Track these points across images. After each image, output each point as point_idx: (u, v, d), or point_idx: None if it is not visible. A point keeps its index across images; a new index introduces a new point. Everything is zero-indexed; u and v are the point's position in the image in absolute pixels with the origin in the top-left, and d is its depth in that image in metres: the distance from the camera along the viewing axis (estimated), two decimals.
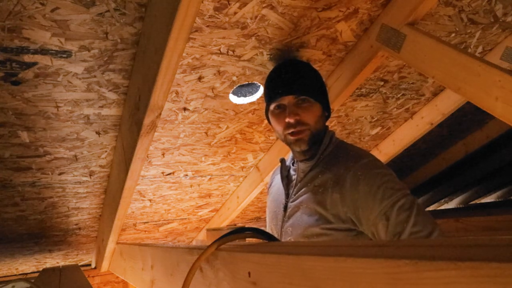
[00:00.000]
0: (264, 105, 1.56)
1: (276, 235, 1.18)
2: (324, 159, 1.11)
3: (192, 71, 1.25)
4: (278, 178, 1.27)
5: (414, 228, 0.89)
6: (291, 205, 1.13)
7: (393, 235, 0.91)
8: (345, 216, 0.99)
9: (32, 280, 1.80)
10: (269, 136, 1.80)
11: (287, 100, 1.10)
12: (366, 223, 0.96)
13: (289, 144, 1.14)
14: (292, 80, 1.10)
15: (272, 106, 1.14)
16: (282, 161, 1.26)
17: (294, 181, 1.17)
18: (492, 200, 4.71)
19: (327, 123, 1.20)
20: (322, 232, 1.01)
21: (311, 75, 1.16)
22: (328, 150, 1.12)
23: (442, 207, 4.28)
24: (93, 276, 2.66)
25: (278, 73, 1.16)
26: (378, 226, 0.94)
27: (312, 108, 1.09)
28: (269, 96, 1.15)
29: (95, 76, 1.13)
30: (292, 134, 1.09)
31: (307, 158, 1.14)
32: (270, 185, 1.35)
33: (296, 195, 1.12)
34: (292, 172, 1.21)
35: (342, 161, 1.05)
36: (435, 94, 1.92)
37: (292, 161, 1.23)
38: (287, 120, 1.08)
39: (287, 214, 1.13)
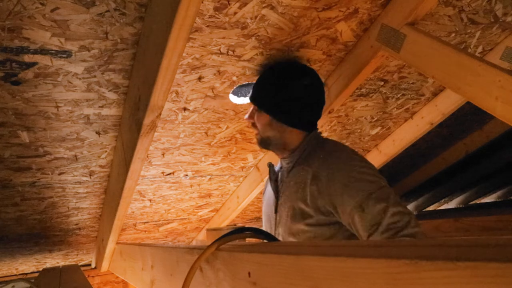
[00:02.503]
0: None
1: None
2: (304, 157, 1.15)
3: (192, 71, 1.25)
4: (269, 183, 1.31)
5: (392, 219, 0.91)
6: (279, 205, 1.17)
7: (371, 226, 0.92)
8: (324, 209, 1.02)
9: (32, 280, 1.80)
10: None
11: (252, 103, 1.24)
12: (343, 215, 0.99)
13: None
14: (253, 88, 1.23)
15: None
16: (270, 166, 1.29)
17: (280, 182, 1.21)
18: (492, 200, 4.71)
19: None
20: (306, 228, 1.03)
21: (269, 87, 1.20)
22: (308, 149, 1.15)
23: (442, 207, 4.28)
24: (93, 276, 2.66)
25: None
26: (354, 218, 0.96)
27: (260, 116, 1.20)
28: None
29: (95, 76, 1.13)
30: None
31: (286, 155, 1.19)
32: (264, 191, 1.39)
33: (282, 194, 1.16)
34: (280, 174, 1.25)
35: (320, 156, 1.09)
36: (435, 94, 1.92)
37: (281, 164, 1.26)
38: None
39: (277, 215, 1.17)
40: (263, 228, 1.29)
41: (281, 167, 1.24)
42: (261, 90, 1.21)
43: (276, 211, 1.17)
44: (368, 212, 0.93)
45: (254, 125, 1.23)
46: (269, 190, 1.28)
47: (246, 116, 1.24)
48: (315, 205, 1.02)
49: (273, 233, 1.18)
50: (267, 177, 1.41)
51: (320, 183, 1.02)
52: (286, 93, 1.16)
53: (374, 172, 1.01)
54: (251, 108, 1.23)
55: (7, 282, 2.34)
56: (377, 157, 2.31)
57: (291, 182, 1.13)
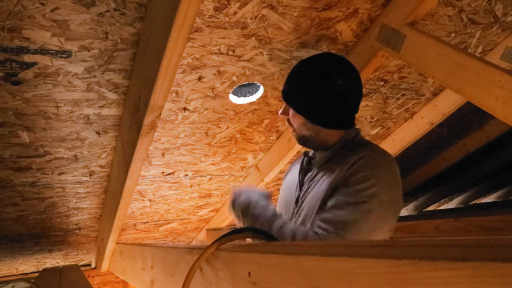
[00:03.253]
0: (263, 105, 1.56)
1: None
2: (341, 154, 1.11)
3: (192, 71, 1.25)
4: (296, 167, 1.27)
5: (326, 214, 0.95)
6: (301, 196, 1.14)
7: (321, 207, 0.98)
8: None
9: (32, 280, 1.80)
10: (269, 136, 1.80)
11: None
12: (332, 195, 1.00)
13: None
14: (286, 85, 1.16)
15: None
16: (306, 153, 1.25)
17: (310, 173, 1.17)
18: (492, 200, 4.71)
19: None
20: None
21: (302, 88, 1.13)
22: (348, 146, 1.11)
23: (442, 207, 4.28)
24: (93, 276, 2.66)
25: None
26: (330, 203, 0.98)
27: (295, 116, 1.14)
28: None
29: (95, 76, 1.13)
30: None
31: (325, 148, 1.14)
32: (287, 174, 1.34)
33: (308, 187, 1.13)
34: (310, 165, 1.22)
35: (356, 153, 1.05)
36: (435, 94, 1.92)
37: (314, 155, 1.22)
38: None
39: (297, 205, 1.14)
40: (277, 211, 1.27)
41: (313, 158, 1.21)
42: (294, 90, 1.14)
43: (296, 202, 1.15)
44: (329, 203, 0.97)
45: (289, 121, 1.18)
46: (293, 176, 1.25)
47: (280, 111, 1.18)
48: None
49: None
50: (294, 160, 1.38)
51: (344, 170, 1.01)
52: (320, 95, 1.09)
53: (392, 191, 0.97)
54: (284, 104, 1.18)
55: (7, 282, 2.34)
56: None
57: (318, 177, 1.11)
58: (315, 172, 1.14)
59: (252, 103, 1.52)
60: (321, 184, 1.08)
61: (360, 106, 1.91)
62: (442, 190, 3.73)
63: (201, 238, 2.68)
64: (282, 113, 1.18)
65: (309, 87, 1.11)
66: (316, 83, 1.10)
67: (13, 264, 2.35)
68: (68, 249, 2.33)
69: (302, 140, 1.17)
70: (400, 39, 1.21)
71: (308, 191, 1.12)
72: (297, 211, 1.13)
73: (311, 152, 1.25)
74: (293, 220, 1.13)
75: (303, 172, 1.20)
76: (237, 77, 1.34)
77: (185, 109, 1.43)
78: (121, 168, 1.45)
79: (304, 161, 1.23)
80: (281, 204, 1.25)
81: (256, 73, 1.35)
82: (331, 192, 1.01)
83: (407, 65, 1.56)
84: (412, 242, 0.37)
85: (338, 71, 1.11)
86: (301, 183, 1.18)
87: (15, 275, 2.55)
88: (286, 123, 1.20)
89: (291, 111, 1.15)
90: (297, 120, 1.14)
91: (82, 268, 2.28)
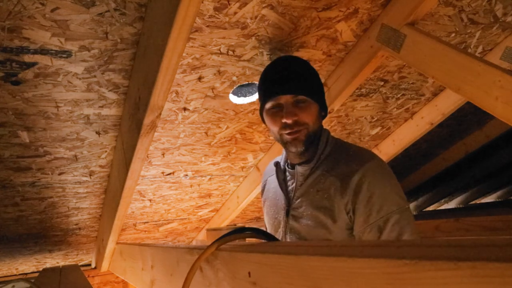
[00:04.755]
0: None
1: None
2: (324, 161, 1.06)
3: (192, 71, 1.25)
4: (272, 181, 1.21)
5: None
6: (293, 211, 1.07)
7: None
8: (349, 214, 0.97)
9: (32, 280, 1.80)
10: (269, 136, 1.80)
11: (284, 99, 1.03)
12: (355, 227, 0.96)
13: (284, 143, 1.08)
14: (290, 78, 1.04)
15: (268, 105, 1.08)
16: (277, 164, 1.18)
17: (294, 185, 1.10)
18: (492, 200, 4.71)
19: (323, 122, 1.16)
20: (329, 236, 0.99)
21: (309, 73, 1.09)
22: (327, 151, 1.07)
23: (442, 207, 4.28)
24: (93, 276, 2.66)
25: (275, 70, 1.09)
26: (367, 235, 0.94)
27: (310, 108, 1.04)
28: (264, 95, 1.08)
29: (95, 76, 1.13)
30: (289, 134, 1.05)
31: (305, 161, 1.08)
32: (264, 189, 1.28)
33: (299, 200, 1.07)
34: (288, 175, 1.14)
35: (345, 162, 1.01)
36: (435, 94, 1.92)
37: (286, 163, 1.16)
38: (284, 120, 1.03)
39: (289, 220, 1.08)
40: (268, 230, 1.21)
41: (289, 166, 1.14)
42: (305, 79, 1.05)
43: (287, 215, 1.08)
44: (384, 234, 0.92)
45: (297, 123, 1.03)
46: (275, 190, 1.18)
47: (289, 116, 1.02)
48: (341, 216, 0.98)
49: (281, 237, 1.10)
50: (268, 176, 1.32)
51: (346, 193, 0.97)
52: (318, 78, 1.12)
53: (399, 189, 0.97)
54: (286, 105, 1.04)
55: (7, 282, 2.34)
56: None
57: (311, 189, 1.04)
58: (303, 184, 1.07)
59: (252, 103, 1.52)
60: (314, 197, 1.02)
61: (360, 106, 1.92)
62: (442, 190, 3.73)
63: (201, 238, 2.68)
64: (293, 114, 1.02)
65: (311, 74, 1.09)
66: (309, 67, 1.12)
67: (13, 264, 2.35)
68: (68, 249, 2.33)
69: (310, 139, 1.05)
70: (400, 39, 1.21)
71: (302, 204, 1.05)
72: (290, 224, 1.07)
73: (281, 161, 1.19)
74: (287, 233, 1.08)
75: (283, 183, 1.14)
76: (237, 77, 1.34)
77: (185, 109, 1.43)
78: (121, 168, 1.45)
79: (279, 172, 1.16)
80: (270, 221, 1.19)
81: (256, 73, 1.35)
82: (346, 215, 0.97)
83: (407, 65, 1.56)
84: (412, 242, 0.37)
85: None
86: (287, 196, 1.11)
87: (15, 275, 2.55)
88: (295, 128, 1.03)
89: (300, 108, 1.03)
90: (313, 112, 1.04)
91: (82, 268, 2.28)
